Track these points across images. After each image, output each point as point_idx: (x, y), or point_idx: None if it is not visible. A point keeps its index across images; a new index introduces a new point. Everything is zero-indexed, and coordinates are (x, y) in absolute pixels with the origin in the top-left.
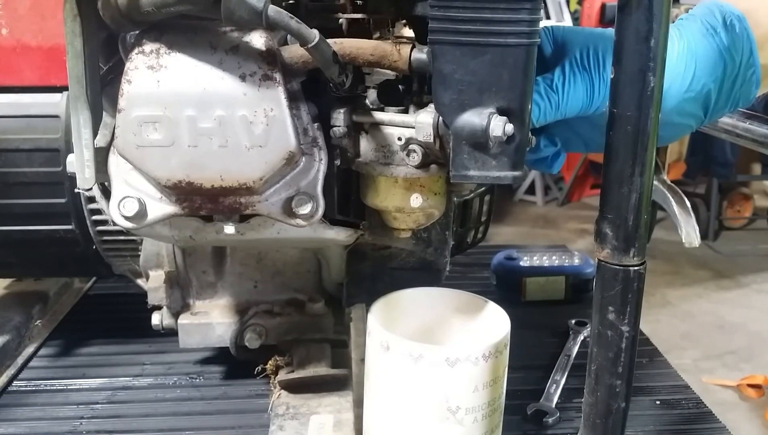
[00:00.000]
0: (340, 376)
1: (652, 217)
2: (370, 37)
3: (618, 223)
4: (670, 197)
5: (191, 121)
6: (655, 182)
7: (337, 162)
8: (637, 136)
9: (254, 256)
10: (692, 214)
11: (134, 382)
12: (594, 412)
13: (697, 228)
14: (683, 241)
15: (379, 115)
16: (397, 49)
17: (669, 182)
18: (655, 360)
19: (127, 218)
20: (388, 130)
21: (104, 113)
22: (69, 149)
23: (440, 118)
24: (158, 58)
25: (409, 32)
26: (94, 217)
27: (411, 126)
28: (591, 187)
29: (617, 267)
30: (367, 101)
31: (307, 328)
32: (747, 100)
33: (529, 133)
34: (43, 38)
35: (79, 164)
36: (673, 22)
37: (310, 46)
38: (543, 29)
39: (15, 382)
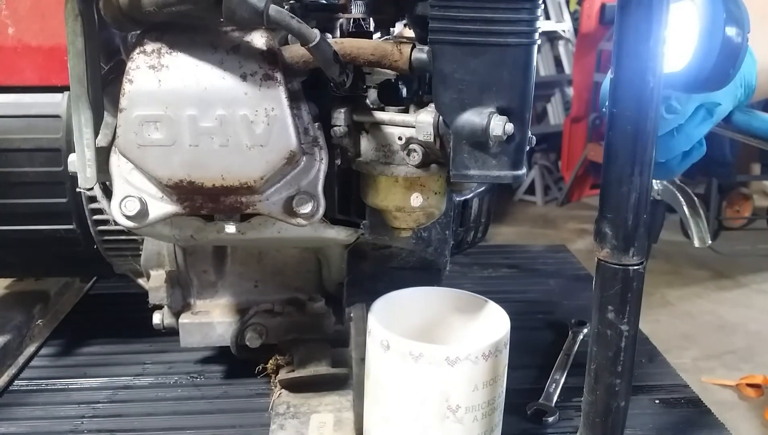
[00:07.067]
0: (341, 375)
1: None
2: (370, 37)
3: (617, 222)
4: (680, 197)
5: (192, 120)
6: (665, 182)
7: (338, 161)
8: (636, 136)
9: (255, 256)
10: (702, 214)
11: (135, 381)
12: (594, 411)
13: (707, 227)
14: (694, 241)
15: (379, 115)
16: (398, 49)
17: (678, 182)
18: (654, 359)
19: (128, 217)
20: (389, 130)
21: (105, 113)
22: (70, 149)
23: (440, 117)
24: (159, 58)
25: (409, 32)
26: (95, 217)
27: (411, 125)
28: (591, 187)
29: (617, 266)
30: (367, 101)
31: (308, 327)
32: None
33: (529, 132)
34: (44, 38)
35: (81, 164)
36: None
37: (311, 45)
38: None
39: (16, 382)
